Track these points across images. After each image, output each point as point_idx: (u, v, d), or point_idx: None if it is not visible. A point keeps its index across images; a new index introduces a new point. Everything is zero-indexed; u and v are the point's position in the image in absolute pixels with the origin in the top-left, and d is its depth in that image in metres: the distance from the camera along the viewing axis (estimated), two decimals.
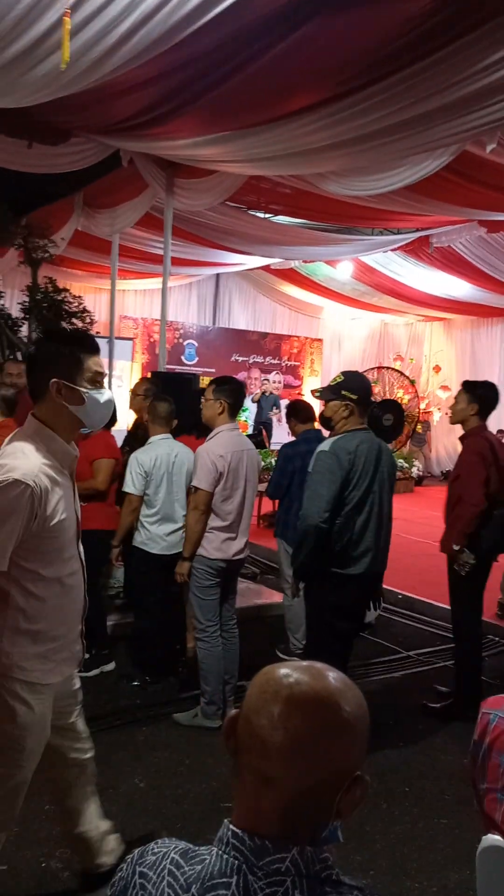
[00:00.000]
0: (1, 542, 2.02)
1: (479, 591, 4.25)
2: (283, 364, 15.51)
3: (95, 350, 2.18)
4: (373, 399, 6.77)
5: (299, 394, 14.72)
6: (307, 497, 3.40)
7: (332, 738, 0.90)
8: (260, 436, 9.68)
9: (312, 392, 3.67)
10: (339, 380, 3.53)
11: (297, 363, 15.72)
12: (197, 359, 14.00)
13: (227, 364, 14.13)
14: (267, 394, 13.28)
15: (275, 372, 15.30)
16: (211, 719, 3.91)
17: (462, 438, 4.27)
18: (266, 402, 13.02)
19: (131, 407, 5.64)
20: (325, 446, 3.44)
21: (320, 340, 16.35)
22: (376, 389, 11.73)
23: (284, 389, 14.95)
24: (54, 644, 2.22)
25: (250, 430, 11.79)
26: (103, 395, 2.16)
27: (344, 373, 3.61)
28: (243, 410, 13.63)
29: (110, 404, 2.20)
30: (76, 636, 2.33)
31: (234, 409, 3.92)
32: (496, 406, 4.29)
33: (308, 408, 5.12)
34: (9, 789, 2.23)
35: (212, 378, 4.22)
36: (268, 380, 14.55)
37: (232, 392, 3.90)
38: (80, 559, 2.30)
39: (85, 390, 2.13)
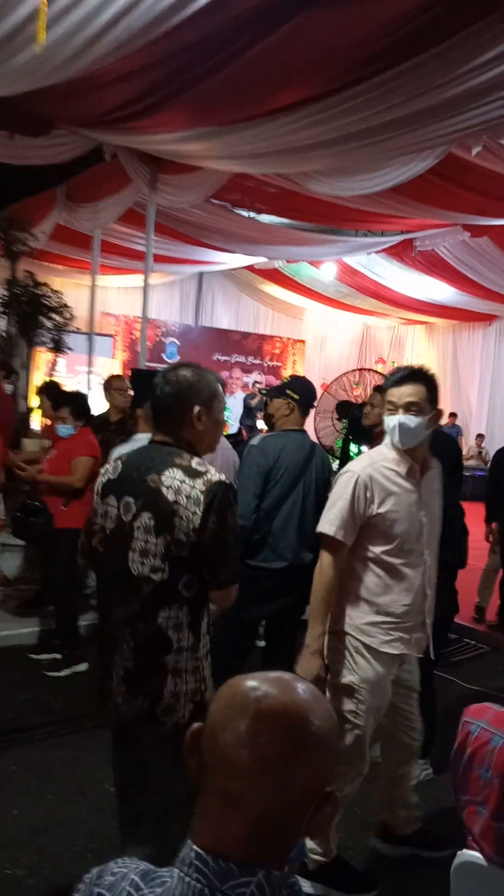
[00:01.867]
0: (334, 515, 2.57)
1: None
2: (265, 364, 15.49)
3: (398, 383, 2.64)
4: (353, 401, 6.73)
5: None
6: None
7: (301, 754, 0.85)
8: (239, 435, 9.63)
9: (259, 390, 3.87)
10: (285, 381, 3.81)
11: (279, 364, 15.70)
12: (178, 357, 13.93)
13: (208, 363, 14.02)
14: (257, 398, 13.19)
15: (256, 372, 15.27)
16: None
17: (377, 437, 4.44)
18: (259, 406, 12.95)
19: (113, 403, 5.56)
20: (255, 441, 3.61)
21: (303, 342, 16.36)
22: (358, 391, 11.75)
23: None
24: (390, 619, 2.63)
25: (232, 430, 11.73)
26: (393, 420, 2.62)
27: (292, 376, 3.95)
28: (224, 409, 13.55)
29: (405, 427, 2.64)
30: (417, 624, 2.69)
31: None
32: None
33: None
34: (354, 737, 2.63)
35: None
36: (259, 382, 14.44)
37: None
38: (426, 558, 2.68)
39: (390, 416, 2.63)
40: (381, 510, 2.59)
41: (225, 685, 0.91)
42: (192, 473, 2.02)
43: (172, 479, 2.01)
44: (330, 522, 2.58)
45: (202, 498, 1.97)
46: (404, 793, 3.00)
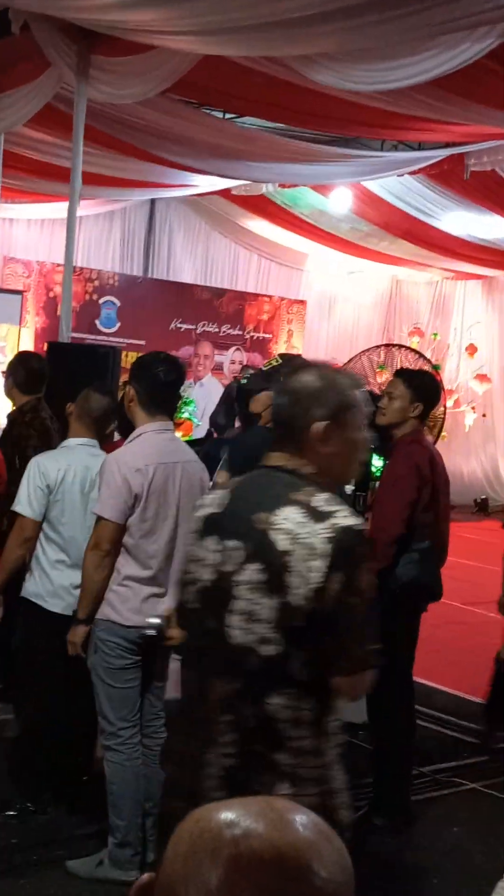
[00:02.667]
0: None
1: (409, 649, 4.52)
2: (248, 336, 15.52)
3: None
4: (377, 393, 6.77)
5: None
6: None
7: None
8: (208, 439, 9.64)
9: (237, 377, 3.88)
10: (274, 363, 3.85)
11: (267, 335, 15.74)
12: (119, 324, 13.93)
13: (163, 333, 14.07)
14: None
15: (234, 348, 15.30)
16: (123, 869, 3.84)
17: (394, 446, 4.57)
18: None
19: (7, 394, 5.57)
20: (232, 440, 3.66)
21: (303, 303, 16.42)
22: (383, 377, 11.79)
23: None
24: None
25: (200, 433, 11.71)
26: None
27: (282, 355, 3.90)
28: (186, 404, 13.55)
29: None
30: None
31: (161, 398, 3.91)
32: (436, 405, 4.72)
33: None
34: None
35: (140, 354, 4.20)
36: (243, 363, 14.48)
37: (158, 374, 3.93)
38: None
39: None
40: None
41: (187, 819, 0.91)
42: (315, 515, 2.16)
43: (286, 521, 2.16)
44: None
45: (325, 549, 2.10)
46: None
